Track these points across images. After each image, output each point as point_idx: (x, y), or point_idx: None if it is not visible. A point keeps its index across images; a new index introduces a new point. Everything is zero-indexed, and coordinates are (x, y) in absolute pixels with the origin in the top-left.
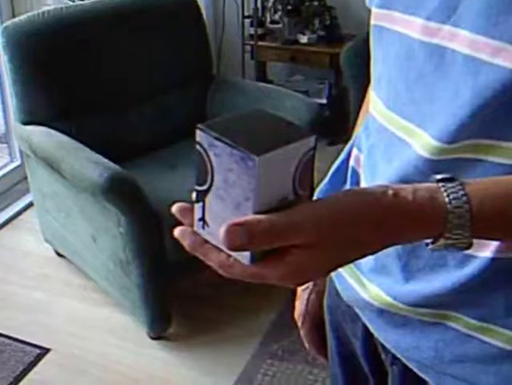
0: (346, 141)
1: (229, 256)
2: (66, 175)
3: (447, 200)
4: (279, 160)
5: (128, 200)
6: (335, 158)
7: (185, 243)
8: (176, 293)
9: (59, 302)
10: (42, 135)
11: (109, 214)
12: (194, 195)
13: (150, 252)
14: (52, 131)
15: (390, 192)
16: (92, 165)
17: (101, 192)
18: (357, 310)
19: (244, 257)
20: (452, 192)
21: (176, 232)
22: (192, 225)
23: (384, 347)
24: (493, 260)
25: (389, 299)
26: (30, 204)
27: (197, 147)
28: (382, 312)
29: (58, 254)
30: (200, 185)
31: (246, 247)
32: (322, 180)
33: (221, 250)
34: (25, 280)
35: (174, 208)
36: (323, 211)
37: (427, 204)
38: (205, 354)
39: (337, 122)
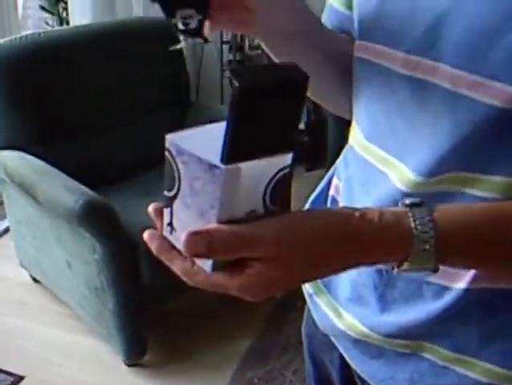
0: (328, 168)
1: (194, 263)
2: (41, 201)
3: (413, 224)
4: (249, 173)
5: (103, 227)
6: (314, 184)
7: (153, 246)
8: (152, 320)
9: (34, 328)
10: (17, 160)
11: (84, 240)
12: (163, 200)
13: (125, 279)
14: (28, 157)
15: (357, 213)
16: (67, 191)
17: (76, 218)
18: (333, 339)
19: (206, 264)
20: (418, 218)
21: (145, 234)
22: (162, 228)
23: (360, 377)
24: (467, 291)
25: (365, 329)
26: (7, 230)
27: (166, 153)
28: (357, 342)
29: (34, 280)
30: (168, 191)
31: (206, 256)
32: (300, 206)
33: (186, 257)
34: (0, 306)
35: (150, 208)
36: (287, 226)
37: (392, 227)
38: (180, 381)
39: (315, 148)
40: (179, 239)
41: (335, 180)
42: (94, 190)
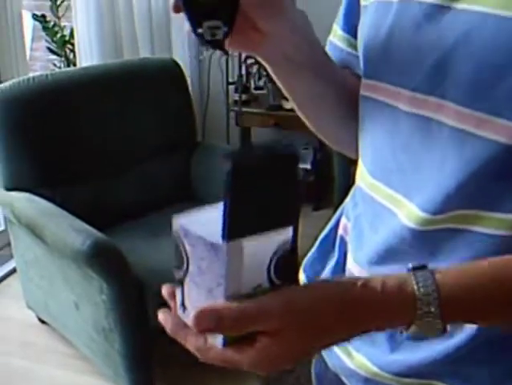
0: (335, 207)
1: (207, 340)
2: (48, 242)
3: (416, 287)
4: (251, 248)
5: (110, 268)
6: (320, 223)
7: (167, 327)
8: (159, 361)
9: (41, 370)
10: (25, 202)
11: (92, 281)
12: (174, 279)
13: (133, 320)
14: (35, 198)
15: (359, 283)
16: (75, 232)
17: (83, 259)
18: (343, 379)
19: (217, 339)
20: (421, 280)
21: (160, 316)
22: (176, 308)
23: None
24: (478, 330)
25: (375, 368)
26: (14, 270)
27: (173, 235)
28: (368, 381)
29: (41, 321)
30: (178, 270)
31: (215, 332)
32: (308, 246)
33: (199, 334)
34: (6, 346)
35: (163, 290)
36: (290, 299)
37: (395, 294)
38: None
39: (322, 187)
40: (190, 317)
41: (343, 220)
42: (100, 232)
